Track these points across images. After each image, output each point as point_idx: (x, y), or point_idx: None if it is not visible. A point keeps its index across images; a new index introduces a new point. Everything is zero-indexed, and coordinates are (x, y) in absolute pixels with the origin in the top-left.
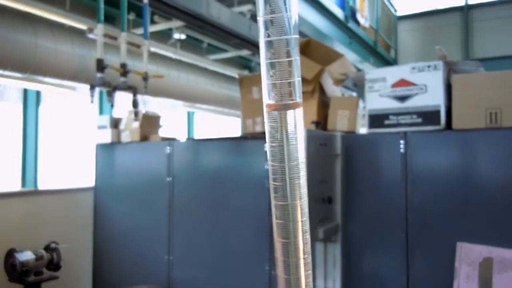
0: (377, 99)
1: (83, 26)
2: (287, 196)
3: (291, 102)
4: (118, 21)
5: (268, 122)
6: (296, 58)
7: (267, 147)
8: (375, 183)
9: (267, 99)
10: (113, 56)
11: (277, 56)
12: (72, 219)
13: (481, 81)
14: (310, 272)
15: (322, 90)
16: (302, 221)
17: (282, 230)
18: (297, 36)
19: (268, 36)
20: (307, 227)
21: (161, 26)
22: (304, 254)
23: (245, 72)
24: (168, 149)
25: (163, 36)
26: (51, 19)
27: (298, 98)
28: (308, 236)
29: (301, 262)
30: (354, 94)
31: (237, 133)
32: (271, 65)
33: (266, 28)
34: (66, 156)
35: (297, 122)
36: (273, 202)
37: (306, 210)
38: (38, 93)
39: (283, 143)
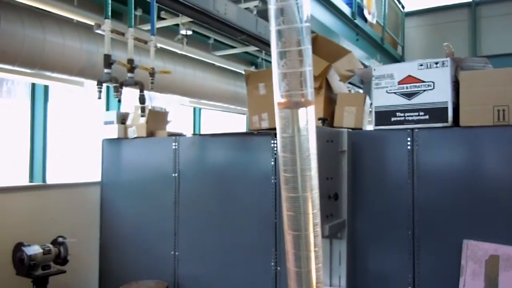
0: (384, 96)
1: (90, 22)
2: (298, 188)
3: (302, 100)
4: (126, 17)
5: (279, 114)
6: (307, 47)
7: (277, 137)
8: (381, 180)
9: (278, 91)
10: (120, 52)
11: (288, 45)
12: (79, 214)
13: (489, 78)
14: (321, 265)
15: (328, 87)
16: (313, 213)
17: (292, 223)
18: (308, 24)
19: (279, 25)
20: (318, 220)
21: (168, 22)
22: (315, 247)
23: (252, 68)
24: (174, 145)
25: (170, 32)
26: (59, 15)
27: (310, 89)
28: (319, 229)
29: (312, 255)
30: (361, 90)
31: (243, 130)
32: (282, 55)
33: (277, 17)
34: (73, 151)
35: (309, 118)
36: (283, 194)
37: (317, 202)
38: (46, 90)
39: (294, 134)
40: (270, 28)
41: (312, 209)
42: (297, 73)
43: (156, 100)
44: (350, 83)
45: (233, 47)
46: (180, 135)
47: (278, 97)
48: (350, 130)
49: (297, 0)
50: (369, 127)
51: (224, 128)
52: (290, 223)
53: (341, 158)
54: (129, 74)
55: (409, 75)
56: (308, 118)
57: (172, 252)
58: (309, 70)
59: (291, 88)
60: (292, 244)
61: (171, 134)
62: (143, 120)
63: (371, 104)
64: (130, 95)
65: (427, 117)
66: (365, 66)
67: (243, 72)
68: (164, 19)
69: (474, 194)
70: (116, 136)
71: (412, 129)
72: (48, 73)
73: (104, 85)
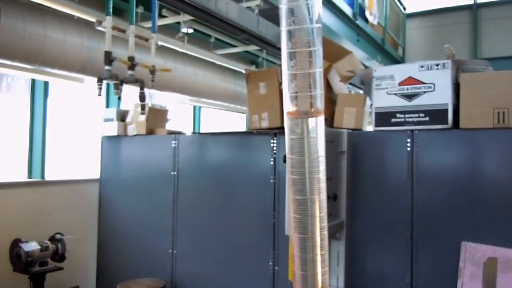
0: (385, 97)
1: (92, 18)
2: (305, 190)
3: (312, 110)
4: (127, 14)
5: (288, 120)
6: (318, 48)
7: (286, 138)
8: (380, 181)
9: (287, 92)
10: (121, 49)
11: (298, 46)
12: (77, 211)
13: (490, 81)
14: (327, 269)
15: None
16: (320, 216)
17: (299, 225)
18: (319, 25)
19: (289, 25)
20: (325, 222)
21: (169, 20)
22: (321, 250)
23: (252, 68)
24: (173, 143)
25: (171, 30)
26: (60, 11)
27: (319, 90)
28: (325, 232)
29: (318, 258)
30: (361, 91)
31: (243, 129)
32: (292, 55)
33: (287, 17)
34: (72, 147)
35: (318, 121)
36: (290, 196)
37: (324, 205)
38: (46, 85)
39: (304, 135)
40: (281, 28)
41: (319, 212)
42: (306, 74)
43: (156, 98)
44: (350, 83)
45: (234, 46)
46: (179, 133)
47: (288, 105)
48: (350, 130)
49: (307, 0)
50: (369, 128)
51: (223, 127)
52: (296, 226)
53: (340, 159)
54: (130, 72)
55: (410, 77)
56: (317, 121)
57: (170, 250)
58: (319, 72)
59: (300, 89)
60: (298, 247)
61: (170, 132)
62: (143, 117)
63: (371, 105)
64: (130, 92)
65: (427, 118)
66: (366, 67)
67: (244, 71)
68: (165, 17)
69: (473, 196)
70: (115, 134)
71: (412, 130)
72: (48, 69)
73: (104, 82)
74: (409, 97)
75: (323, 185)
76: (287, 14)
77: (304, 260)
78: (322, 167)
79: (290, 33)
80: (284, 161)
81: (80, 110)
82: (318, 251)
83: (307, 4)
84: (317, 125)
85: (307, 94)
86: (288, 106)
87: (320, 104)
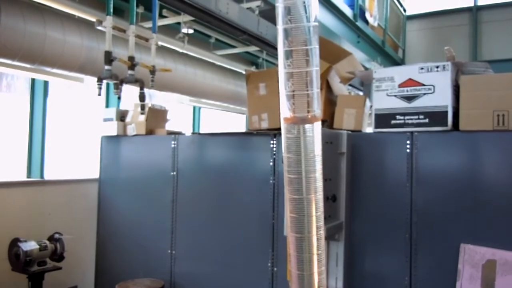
0: (384, 99)
1: (92, 18)
2: (302, 190)
3: (309, 116)
4: (127, 14)
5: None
6: (315, 46)
7: (282, 137)
8: (380, 182)
9: (283, 91)
10: (121, 49)
11: (294, 44)
12: (77, 210)
13: (490, 83)
14: (323, 268)
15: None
16: (316, 215)
17: (295, 225)
18: (316, 24)
19: (286, 24)
20: (322, 222)
21: (170, 20)
22: (318, 249)
23: (252, 68)
24: (173, 143)
25: (171, 30)
26: (60, 10)
27: (316, 89)
28: (322, 232)
29: (315, 258)
30: (361, 93)
31: (242, 129)
32: (288, 54)
33: (284, 15)
34: (72, 147)
35: (315, 129)
36: (287, 195)
37: (320, 204)
38: (45, 85)
39: (300, 134)
40: (277, 26)
41: (316, 211)
42: (303, 73)
43: (155, 98)
44: (350, 85)
45: (234, 47)
46: (179, 133)
47: (284, 109)
48: (350, 132)
49: None
50: (369, 129)
51: (223, 127)
52: (293, 225)
53: (340, 160)
54: (130, 72)
55: (410, 78)
56: (314, 130)
57: (169, 251)
58: (315, 70)
59: (297, 88)
60: (294, 247)
61: (170, 133)
62: (142, 117)
63: (371, 106)
64: (130, 92)
65: (427, 120)
66: (366, 69)
67: (244, 72)
68: (165, 17)
69: (472, 198)
70: (115, 133)
71: (412, 132)
72: (48, 69)
73: (104, 81)
74: (409, 98)
75: (319, 184)
76: (283, 13)
77: (301, 259)
78: (318, 166)
79: (286, 32)
80: (283, 162)
81: (79, 109)
82: (315, 251)
83: (304, 2)
84: (314, 125)
85: (304, 92)
86: (285, 111)
87: (317, 106)
